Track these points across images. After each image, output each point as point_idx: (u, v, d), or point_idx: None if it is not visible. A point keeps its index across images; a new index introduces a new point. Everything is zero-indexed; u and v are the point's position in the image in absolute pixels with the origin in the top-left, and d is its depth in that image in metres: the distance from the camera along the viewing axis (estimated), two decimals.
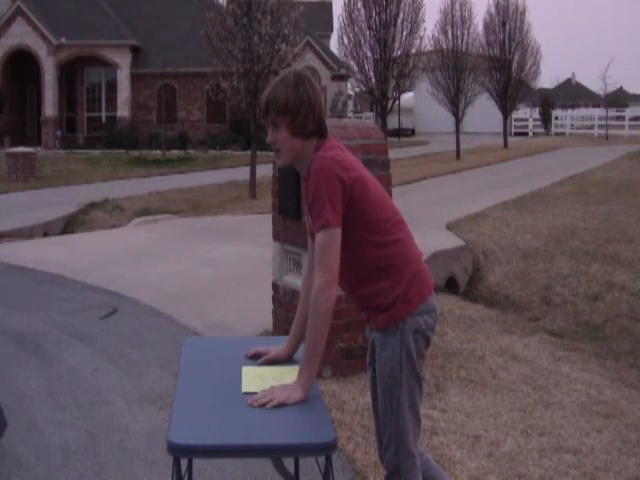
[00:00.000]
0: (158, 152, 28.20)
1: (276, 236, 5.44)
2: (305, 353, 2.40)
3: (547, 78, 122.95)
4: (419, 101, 46.41)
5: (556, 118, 47.70)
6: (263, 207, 12.24)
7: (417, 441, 2.58)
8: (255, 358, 2.67)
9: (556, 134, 45.72)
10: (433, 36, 28.06)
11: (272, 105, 2.43)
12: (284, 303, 5.31)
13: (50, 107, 33.49)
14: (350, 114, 45.42)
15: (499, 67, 31.40)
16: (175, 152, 29.17)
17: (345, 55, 22.64)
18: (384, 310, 2.51)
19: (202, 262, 8.73)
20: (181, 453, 2.12)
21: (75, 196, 15.63)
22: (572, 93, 68.92)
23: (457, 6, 28.20)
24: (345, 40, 22.03)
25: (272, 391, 2.32)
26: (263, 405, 2.28)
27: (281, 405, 2.28)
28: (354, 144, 4.64)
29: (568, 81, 79.00)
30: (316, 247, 2.40)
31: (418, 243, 2.65)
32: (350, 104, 47.02)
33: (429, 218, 11.44)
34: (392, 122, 38.08)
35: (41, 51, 33.29)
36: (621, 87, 72.13)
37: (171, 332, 5.96)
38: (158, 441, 3.87)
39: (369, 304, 2.55)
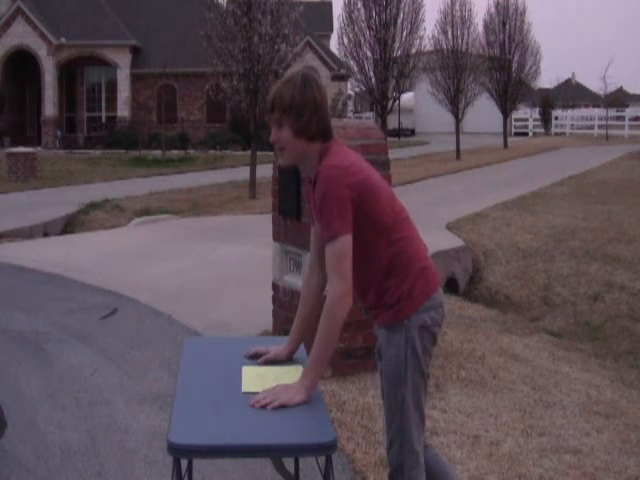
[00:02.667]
0: (158, 152, 28.20)
1: (276, 236, 5.44)
2: (313, 356, 2.40)
3: (547, 78, 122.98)
4: (419, 101, 46.38)
5: (556, 118, 47.71)
6: (263, 207, 12.24)
7: (421, 439, 2.59)
8: (255, 358, 2.67)
9: (556, 134, 45.74)
10: (433, 36, 28.10)
11: (277, 104, 2.45)
12: (284, 303, 5.31)
13: (50, 107, 33.50)
14: (350, 114, 45.43)
15: (499, 67, 31.41)
16: (175, 152, 29.17)
17: (345, 55, 22.64)
18: (390, 307, 2.52)
19: (202, 262, 8.73)
20: (181, 453, 2.12)
21: (75, 196, 15.64)
22: (572, 93, 68.92)
23: (457, 6, 28.25)
24: (345, 40, 22.06)
25: (274, 392, 2.32)
26: (264, 406, 2.27)
27: (282, 406, 2.28)
28: (354, 144, 4.64)
29: (568, 81, 78.99)
30: (329, 256, 2.40)
31: None
32: (350, 104, 47.05)
33: (429, 218, 11.44)
34: (392, 122, 38.08)
35: (41, 51, 33.30)
36: (621, 87, 72.15)
37: (171, 332, 5.95)
38: (158, 441, 3.87)
39: (377, 303, 2.56)
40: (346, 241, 2.38)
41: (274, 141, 2.50)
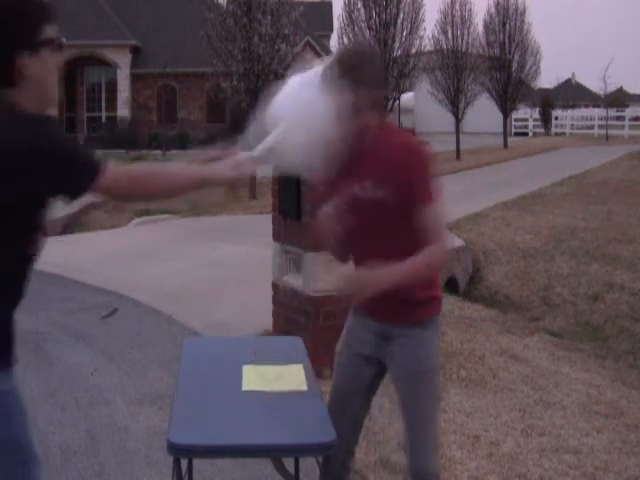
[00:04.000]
0: (158, 152, 28.19)
1: (276, 236, 5.43)
2: (404, 267, 2.32)
3: (547, 78, 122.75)
4: (419, 101, 46.34)
5: (556, 118, 47.67)
6: (263, 207, 12.23)
7: None
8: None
9: (556, 134, 45.69)
10: (433, 36, 28.08)
11: (349, 70, 2.40)
12: (284, 303, 5.31)
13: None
14: None
15: (499, 67, 31.38)
16: (175, 152, 29.16)
17: None
18: (422, 304, 2.50)
19: (202, 262, 8.73)
20: (181, 453, 2.12)
21: None
22: (572, 93, 68.89)
23: (457, 6, 28.24)
24: (345, 40, 22.00)
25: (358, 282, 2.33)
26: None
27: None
28: None
29: (568, 81, 78.93)
30: (431, 218, 2.35)
31: None
32: None
33: None
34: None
35: None
36: (621, 87, 72.11)
37: (171, 332, 5.95)
38: (158, 441, 3.86)
39: (406, 296, 2.45)
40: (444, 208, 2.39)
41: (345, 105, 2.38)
